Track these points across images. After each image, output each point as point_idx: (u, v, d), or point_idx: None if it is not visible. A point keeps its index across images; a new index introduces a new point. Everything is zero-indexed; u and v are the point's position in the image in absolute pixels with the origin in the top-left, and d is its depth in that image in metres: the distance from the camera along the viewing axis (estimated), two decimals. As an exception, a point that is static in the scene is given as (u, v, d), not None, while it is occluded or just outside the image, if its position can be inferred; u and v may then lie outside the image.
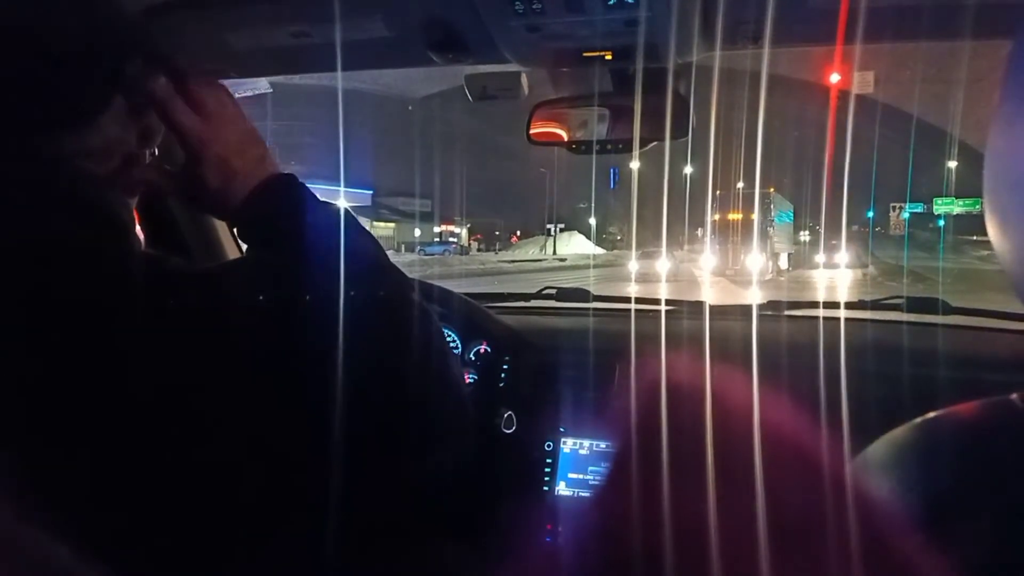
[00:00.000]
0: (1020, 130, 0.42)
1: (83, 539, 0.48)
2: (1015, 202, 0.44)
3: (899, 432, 0.51)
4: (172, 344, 0.75)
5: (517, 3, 1.13)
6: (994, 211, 0.47)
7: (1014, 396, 0.48)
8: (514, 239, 65.90)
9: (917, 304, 1.78)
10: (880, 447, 0.51)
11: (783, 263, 29.87)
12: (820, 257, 33.20)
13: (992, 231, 0.47)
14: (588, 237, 60.24)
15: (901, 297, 1.81)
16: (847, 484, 0.35)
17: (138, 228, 0.88)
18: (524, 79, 1.47)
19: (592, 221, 64.92)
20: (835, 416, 0.49)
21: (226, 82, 0.92)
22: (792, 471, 0.36)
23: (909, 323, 1.76)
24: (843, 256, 30.99)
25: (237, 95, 0.91)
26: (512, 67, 1.43)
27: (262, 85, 1.60)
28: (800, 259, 33.14)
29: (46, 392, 0.69)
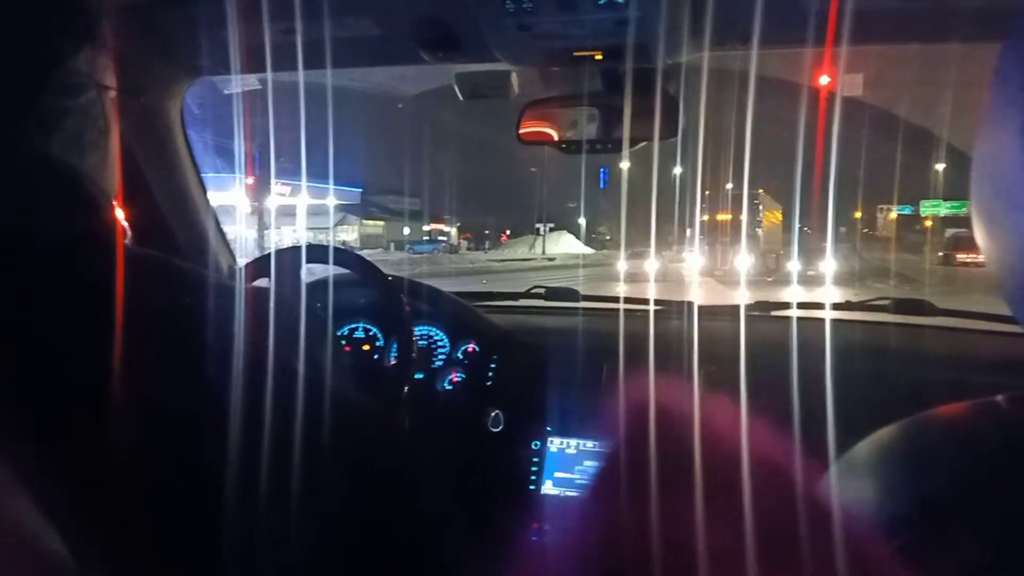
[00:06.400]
0: (1006, 134, 0.42)
1: (79, 535, 0.48)
2: (1001, 205, 0.45)
3: (885, 433, 0.51)
4: (161, 345, 0.74)
5: (508, 2, 1.13)
6: (981, 214, 0.47)
7: (1000, 397, 0.48)
8: (504, 238, 65.79)
9: (904, 305, 1.79)
10: (866, 447, 0.51)
11: (772, 264, 29.70)
12: (795, 264, 26.49)
13: (979, 233, 0.47)
14: (577, 237, 60.21)
15: (888, 298, 1.81)
16: (828, 490, 0.35)
17: (125, 222, 0.87)
18: (514, 78, 1.46)
19: (582, 221, 64.92)
20: (821, 417, 0.49)
21: (213, 79, 0.91)
22: (774, 474, 0.36)
23: (896, 324, 1.77)
24: (830, 264, 23.20)
25: (224, 91, 0.90)
26: (502, 66, 1.42)
27: (250, 82, 1.59)
28: (783, 264, 30.68)
29: (43, 389, 0.69)
